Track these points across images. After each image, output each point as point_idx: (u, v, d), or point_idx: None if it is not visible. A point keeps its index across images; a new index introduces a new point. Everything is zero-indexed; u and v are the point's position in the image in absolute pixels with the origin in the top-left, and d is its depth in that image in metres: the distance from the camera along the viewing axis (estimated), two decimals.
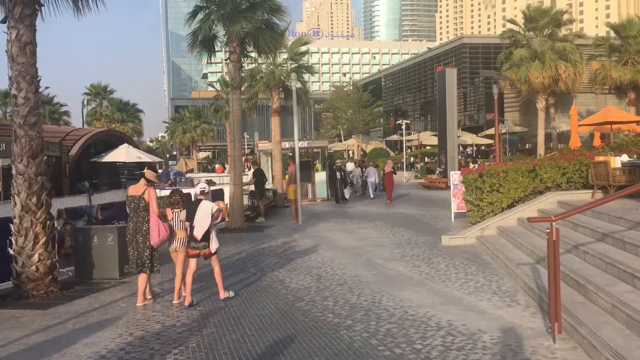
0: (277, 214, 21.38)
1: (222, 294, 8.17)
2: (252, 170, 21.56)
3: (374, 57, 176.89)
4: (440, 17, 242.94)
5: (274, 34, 16.97)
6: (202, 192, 8.18)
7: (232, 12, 15.94)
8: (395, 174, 26.84)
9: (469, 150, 49.00)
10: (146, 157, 24.97)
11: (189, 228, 7.93)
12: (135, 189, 8.10)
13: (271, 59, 25.13)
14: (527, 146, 47.81)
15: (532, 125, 48.73)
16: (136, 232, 7.97)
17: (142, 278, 8.04)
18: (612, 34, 36.61)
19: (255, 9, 16.26)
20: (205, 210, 7.80)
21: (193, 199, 9.34)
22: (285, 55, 25.61)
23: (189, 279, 7.95)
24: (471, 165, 15.82)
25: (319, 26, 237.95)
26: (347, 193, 23.03)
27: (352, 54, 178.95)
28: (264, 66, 25.86)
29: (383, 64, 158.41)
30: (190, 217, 7.90)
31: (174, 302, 8.06)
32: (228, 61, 16.95)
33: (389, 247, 12.46)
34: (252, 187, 20.33)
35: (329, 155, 29.27)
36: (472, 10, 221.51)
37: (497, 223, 12.40)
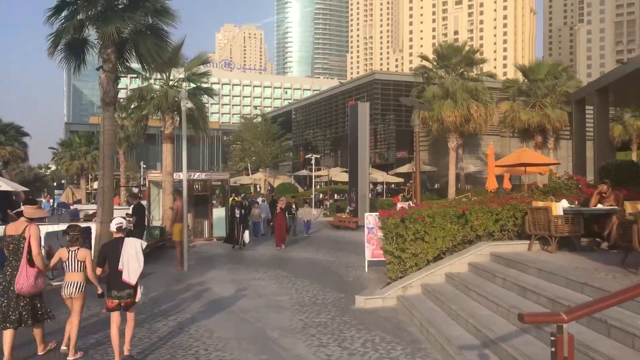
0: (164, 256, 17.92)
1: (128, 349, 6.82)
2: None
3: (286, 92, 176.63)
4: (352, 57, 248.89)
5: (160, 41, 14.08)
6: (120, 229, 6.89)
7: (106, 11, 12.94)
8: (295, 212, 24.17)
9: (379, 188, 47.76)
10: (5, 186, 20.77)
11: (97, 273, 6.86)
12: (15, 227, 6.93)
13: (164, 76, 22.09)
14: (436, 186, 47.29)
15: (441, 165, 48.50)
16: (13, 279, 6.73)
17: (9, 335, 6.69)
18: (520, 75, 36.86)
19: (135, 8, 13.37)
20: (133, 249, 6.68)
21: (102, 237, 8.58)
22: (182, 75, 22.64)
23: (114, 337, 6.61)
24: (399, 204, 13.67)
25: (232, 58, 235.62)
26: (246, 237, 18.91)
27: (264, 87, 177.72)
28: (157, 86, 22.69)
29: (294, 99, 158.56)
30: (111, 260, 6.65)
31: (68, 358, 6.89)
32: (101, 71, 13.81)
33: (288, 309, 9.72)
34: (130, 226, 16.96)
35: (229, 189, 26.29)
36: (381, 52, 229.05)
37: (422, 279, 10.06)
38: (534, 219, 10.32)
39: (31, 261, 6.76)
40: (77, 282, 6.94)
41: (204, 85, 23.11)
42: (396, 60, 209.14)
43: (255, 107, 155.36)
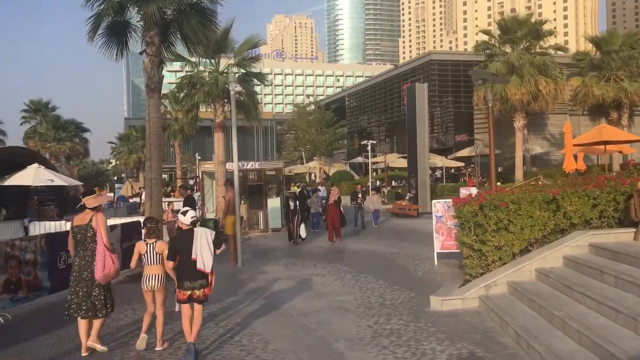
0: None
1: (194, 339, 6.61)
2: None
3: (338, 80, 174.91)
4: (404, 42, 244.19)
5: (205, 20, 13.04)
6: (194, 223, 6.70)
7: None
8: (362, 202, 22.28)
9: (437, 173, 45.77)
10: (60, 181, 20.46)
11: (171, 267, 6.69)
12: (81, 218, 6.95)
13: (213, 63, 21.18)
14: (499, 169, 44.81)
15: (504, 147, 45.94)
16: (84, 268, 6.79)
17: (83, 324, 6.75)
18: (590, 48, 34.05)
19: None
20: (205, 239, 6.57)
21: (176, 229, 7.82)
22: (232, 61, 21.66)
23: (187, 329, 6.61)
24: (463, 191, 12.10)
25: (283, 49, 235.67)
26: (303, 230, 17.26)
27: (316, 75, 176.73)
28: (206, 73, 21.82)
29: (347, 87, 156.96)
30: (185, 250, 6.51)
31: (156, 348, 6.93)
32: (144, 55, 12.93)
33: (353, 313, 8.50)
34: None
35: (284, 178, 25.27)
36: (434, 35, 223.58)
37: (509, 276, 8.60)
38: None
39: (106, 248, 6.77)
40: (158, 275, 6.93)
41: (255, 71, 22.01)
42: (450, 42, 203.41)
43: (308, 96, 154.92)
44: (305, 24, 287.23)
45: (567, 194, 9.20)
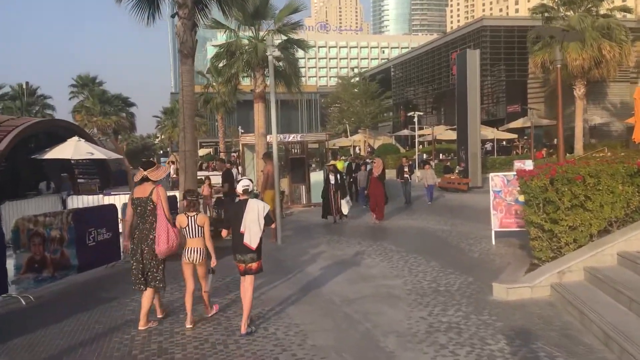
0: None
1: (244, 329, 6.42)
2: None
3: (383, 52, 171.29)
4: (451, 11, 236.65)
5: None
6: (246, 191, 6.60)
7: None
8: (409, 176, 20.37)
9: (487, 146, 43.77)
10: (99, 154, 20.08)
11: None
12: (142, 190, 6.84)
13: (252, 30, 20.18)
14: (554, 141, 42.47)
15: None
16: (141, 240, 6.76)
17: (147, 295, 6.82)
18: None
19: None
20: (255, 212, 6.41)
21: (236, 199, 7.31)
22: (272, 28, 20.60)
23: (246, 302, 6.54)
24: (518, 164, 10.83)
25: (327, 21, 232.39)
26: (345, 207, 15.73)
27: (361, 47, 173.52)
28: (246, 41, 20.87)
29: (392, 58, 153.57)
30: (236, 222, 6.45)
31: (187, 325, 6.75)
32: (176, 19, 12.05)
33: (403, 300, 7.50)
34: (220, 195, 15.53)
35: (325, 151, 24.25)
36: (483, 3, 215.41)
37: (586, 261, 7.39)
38: None
39: (171, 222, 6.70)
40: (199, 248, 6.78)
41: (296, 38, 20.88)
42: (500, 10, 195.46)
43: (352, 69, 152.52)
44: None
45: None
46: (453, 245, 11.70)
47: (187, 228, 6.77)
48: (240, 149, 24.08)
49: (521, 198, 11.50)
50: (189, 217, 6.79)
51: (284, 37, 20.21)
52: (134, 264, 6.78)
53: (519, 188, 11.53)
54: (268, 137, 20.54)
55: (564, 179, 7.82)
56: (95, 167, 22.92)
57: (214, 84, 41.50)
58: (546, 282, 7.31)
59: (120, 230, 10.31)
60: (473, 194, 23.40)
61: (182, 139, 12.31)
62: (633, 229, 7.56)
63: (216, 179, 19.26)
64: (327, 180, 16.07)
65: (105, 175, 23.60)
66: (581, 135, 30.90)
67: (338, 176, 15.73)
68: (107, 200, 15.74)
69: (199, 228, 6.75)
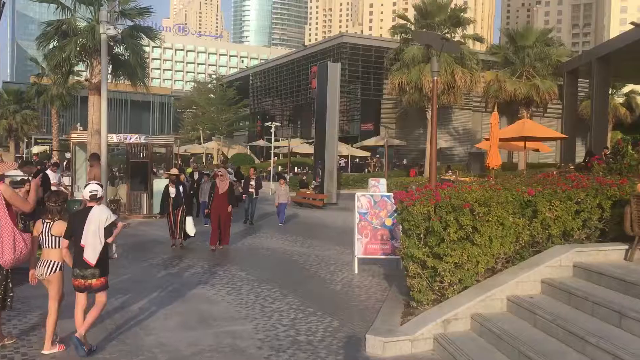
0: None
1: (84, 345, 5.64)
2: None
3: (242, 61, 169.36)
4: (310, 29, 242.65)
5: None
6: (94, 198, 5.85)
7: None
8: (253, 192, 17.20)
9: (342, 162, 43.87)
10: None
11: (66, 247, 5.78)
12: None
13: (91, 10, 17.28)
14: (404, 161, 43.79)
15: (410, 140, 44.99)
16: None
17: None
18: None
19: None
20: (97, 223, 5.71)
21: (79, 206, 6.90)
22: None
23: (78, 315, 5.83)
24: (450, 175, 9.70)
25: (187, 24, 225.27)
26: (191, 227, 12.44)
27: (220, 55, 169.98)
28: (83, 22, 17.85)
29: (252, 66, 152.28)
30: (75, 233, 5.75)
31: (43, 352, 5.70)
32: None
33: (254, 356, 5.69)
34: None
35: (175, 157, 21.75)
36: (340, 26, 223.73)
37: (474, 307, 6.18)
38: None
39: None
40: (51, 262, 5.86)
41: (143, 26, 18.31)
42: (355, 33, 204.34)
43: (210, 75, 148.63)
44: (211, 1, 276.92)
45: (545, 195, 6.95)
46: (313, 273, 10.15)
47: (41, 236, 5.88)
48: (71, 148, 20.67)
49: (388, 222, 10.46)
50: (45, 224, 5.84)
51: (130, 23, 17.58)
52: None
53: (386, 210, 10.43)
54: (110, 137, 17.68)
55: (448, 205, 6.60)
56: None
57: (50, 74, 36.56)
58: (429, 334, 5.94)
59: None
60: (329, 211, 22.43)
61: None
62: (523, 269, 6.52)
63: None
64: (165, 192, 12.65)
65: None
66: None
67: (181, 188, 12.48)
68: None
69: (54, 238, 5.82)
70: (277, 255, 12.08)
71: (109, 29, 10.48)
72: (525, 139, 19.99)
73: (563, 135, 20.89)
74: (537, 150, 26.18)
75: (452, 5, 29.83)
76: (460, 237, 6.50)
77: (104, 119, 10.89)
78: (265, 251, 12.58)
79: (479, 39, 30.53)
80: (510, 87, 30.31)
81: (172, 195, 12.20)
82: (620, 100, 40.12)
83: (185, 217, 12.22)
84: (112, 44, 15.68)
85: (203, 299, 8.08)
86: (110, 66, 18.26)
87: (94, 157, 11.64)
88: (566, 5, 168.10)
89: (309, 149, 40.70)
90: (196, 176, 19.18)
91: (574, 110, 27.21)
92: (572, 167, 18.26)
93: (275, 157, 43.69)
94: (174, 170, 12.95)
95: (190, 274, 9.82)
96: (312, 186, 27.41)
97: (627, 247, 6.81)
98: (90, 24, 17.13)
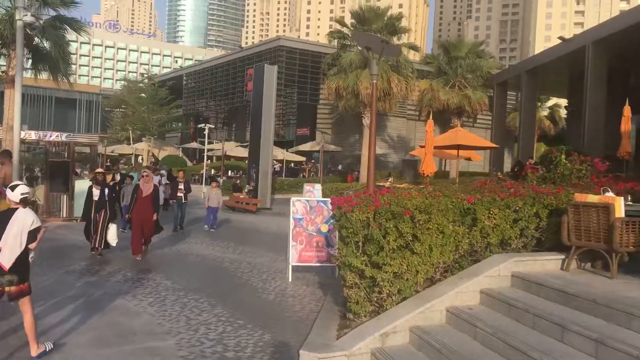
0: None
1: (35, 349, 5.53)
2: None
3: (177, 62, 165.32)
4: (247, 32, 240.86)
5: None
6: (24, 200, 5.57)
7: None
8: (182, 196, 16.36)
9: (276, 167, 43.38)
10: None
11: None
12: None
13: None
14: (339, 167, 43.85)
15: (345, 146, 45.11)
16: None
17: None
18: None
19: None
20: (20, 226, 5.45)
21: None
22: None
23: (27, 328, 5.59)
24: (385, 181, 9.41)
25: (118, 21, 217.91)
26: (112, 234, 11.33)
27: (153, 54, 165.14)
28: (2, 10, 16.55)
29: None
30: None
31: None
32: None
33: None
34: None
35: (100, 158, 20.59)
36: (277, 30, 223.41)
37: (413, 319, 5.90)
38: (579, 223, 6.53)
39: None
40: None
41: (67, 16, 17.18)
42: (293, 38, 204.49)
43: (142, 74, 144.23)
44: None
45: (484, 202, 6.81)
46: (244, 282, 9.65)
47: None
48: None
49: (324, 228, 10.12)
50: None
51: (53, 12, 16.45)
52: None
53: (322, 216, 10.10)
54: (23, 133, 16.43)
55: (388, 212, 6.32)
56: None
57: None
58: (366, 348, 5.60)
59: None
60: (262, 216, 21.91)
61: None
62: (463, 279, 6.33)
63: None
64: (89, 195, 11.62)
65: None
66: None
67: (106, 191, 11.43)
68: None
69: None
70: (206, 262, 11.49)
71: (26, 15, 9.58)
72: (459, 147, 20.30)
73: (494, 145, 21.40)
74: (469, 159, 26.75)
75: (389, 14, 30.01)
76: (400, 245, 6.23)
77: (17, 113, 9.96)
78: (194, 257, 11.95)
79: (414, 47, 30.99)
80: (443, 96, 30.93)
81: (96, 198, 11.30)
82: (545, 112, 41.98)
83: (107, 223, 11.30)
84: (31, 32, 14.55)
85: (123, 311, 7.42)
86: (31, 59, 17.06)
87: (5, 155, 10.61)
88: (495, 21, 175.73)
89: (244, 152, 39.94)
90: (117, 177, 17.94)
91: (503, 121, 28.12)
92: (501, 175, 18.66)
93: (209, 160, 42.68)
94: (100, 170, 12.05)
95: (111, 283, 9.09)
96: (246, 190, 26.78)
97: (563, 256, 6.77)
98: (9, 12, 15.86)
